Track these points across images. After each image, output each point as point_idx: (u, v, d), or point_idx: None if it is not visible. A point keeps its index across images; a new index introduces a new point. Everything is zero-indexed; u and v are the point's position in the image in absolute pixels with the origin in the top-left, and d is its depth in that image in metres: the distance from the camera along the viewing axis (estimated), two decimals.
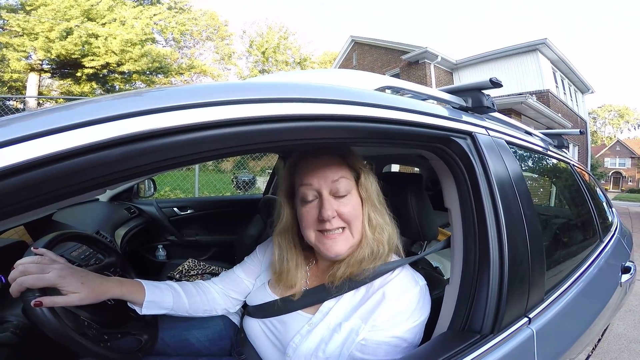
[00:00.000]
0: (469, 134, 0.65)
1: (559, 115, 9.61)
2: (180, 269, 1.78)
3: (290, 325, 0.67)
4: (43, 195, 0.29)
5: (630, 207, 16.82)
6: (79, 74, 14.02)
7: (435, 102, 0.92)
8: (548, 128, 9.35)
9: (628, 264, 1.19)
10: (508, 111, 7.16)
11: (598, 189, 1.58)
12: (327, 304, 0.66)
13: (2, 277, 0.78)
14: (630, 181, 38.69)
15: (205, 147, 0.37)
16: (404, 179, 0.85)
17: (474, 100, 0.86)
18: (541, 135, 1.33)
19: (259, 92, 0.41)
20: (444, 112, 0.67)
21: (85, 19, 12.89)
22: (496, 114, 1.03)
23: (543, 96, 9.45)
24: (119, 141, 0.31)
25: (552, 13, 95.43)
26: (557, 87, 10.84)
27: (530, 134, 1.21)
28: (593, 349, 1.33)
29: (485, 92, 0.90)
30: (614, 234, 1.35)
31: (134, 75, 15.46)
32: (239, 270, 0.86)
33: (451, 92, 0.90)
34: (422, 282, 0.66)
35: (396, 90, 0.82)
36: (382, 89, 0.66)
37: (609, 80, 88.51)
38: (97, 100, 0.35)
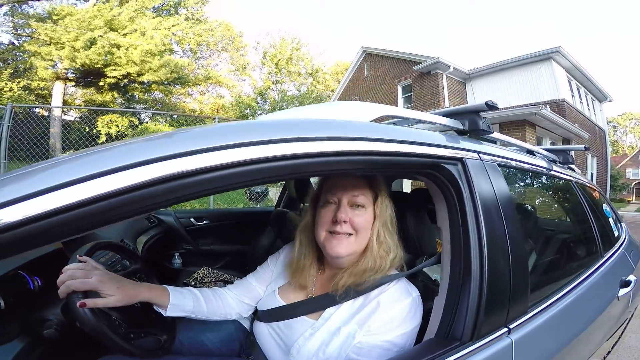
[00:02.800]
0: (460, 160, 0.72)
1: (576, 125, 9.39)
2: (195, 276, 1.88)
3: (295, 329, 0.75)
4: (112, 218, 0.39)
5: None
6: (101, 83, 14.50)
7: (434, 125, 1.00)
8: (564, 139, 9.17)
9: (630, 277, 1.21)
10: (521, 122, 7.06)
11: (606, 205, 1.59)
12: (329, 310, 0.74)
13: (38, 279, 0.89)
14: None
15: (237, 180, 0.46)
16: (403, 199, 0.92)
17: (471, 123, 0.93)
18: (545, 153, 1.38)
19: (276, 132, 0.50)
20: (437, 139, 0.74)
21: (108, 29, 13.38)
22: (498, 135, 1.10)
23: (558, 106, 9.31)
24: (167, 178, 0.40)
25: (568, 19, 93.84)
26: (572, 96, 10.64)
27: (533, 152, 1.27)
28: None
29: (484, 114, 0.98)
30: (618, 249, 1.38)
31: (152, 86, 16.03)
32: (251, 279, 0.95)
33: (448, 115, 0.98)
34: (415, 293, 0.74)
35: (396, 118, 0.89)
36: (379, 119, 0.74)
37: (630, 88, 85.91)
38: (152, 139, 0.45)
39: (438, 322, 0.66)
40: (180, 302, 0.82)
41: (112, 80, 14.31)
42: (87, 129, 10.62)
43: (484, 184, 0.72)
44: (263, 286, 0.92)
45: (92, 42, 12.76)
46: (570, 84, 10.79)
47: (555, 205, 1.31)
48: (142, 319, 0.84)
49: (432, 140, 0.72)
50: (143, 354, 0.77)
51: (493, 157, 0.84)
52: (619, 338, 2.37)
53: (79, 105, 16.16)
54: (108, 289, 0.69)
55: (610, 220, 1.51)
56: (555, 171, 1.23)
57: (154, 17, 15.57)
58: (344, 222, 0.73)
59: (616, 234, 1.49)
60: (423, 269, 0.86)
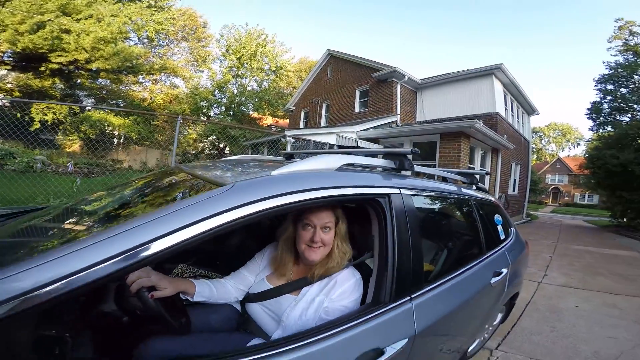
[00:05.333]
0: (387, 195, 1.16)
1: (505, 137, 10.60)
2: (176, 272, 2.16)
3: (282, 303, 1.15)
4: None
5: (563, 220, 18.81)
6: (42, 69, 13.39)
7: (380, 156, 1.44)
8: (494, 149, 10.35)
9: (502, 270, 1.78)
10: (458, 134, 7.92)
11: (498, 215, 2.18)
12: (305, 288, 1.16)
13: None
14: (566, 196, 43.26)
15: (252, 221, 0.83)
16: (353, 214, 1.35)
17: (399, 163, 1.39)
18: (457, 177, 1.91)
19: (281, 186, 0.89)
20: (374, 180, 1.18)
21: (61, 14, 12.42)
22: (419, 168, 1.58)
23: (492, 118, 10.40)
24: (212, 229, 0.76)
25: (509, 37, 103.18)
26: (506, 109, 11.87)
27: (445, 179, 1.78)
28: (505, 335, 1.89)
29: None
30: (500, 249, 1.95)
31: (101, 74, 15.01)
32: (244, 271, 1.32)
33: (386, 155, 1.42)
34: (358, 275, 1.19)
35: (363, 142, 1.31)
36: (342, 167, 1.15)
37: (557, 100, 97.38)
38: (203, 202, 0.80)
39: (372, 292, 1.11)
40: (202, 290, 1.18)
41: (56, 66, 13.33)
42: (19, 115, 9.78)
43: (399, 209, 1.18)
44: (253, 276, 1.30)
45: (40, 26, 11.78)
46: (506, 98, 12.03)
47: (456, 218, 1.84)
48: (173, 305, 1.14)
49: (370, 182, 1.16)
50: (180, 331, 1.07)
51: (410, 190, 1.30)
52: (517, 321, 3.04)
53: (11, 89, 14.55)
54: (163, 284, 1.04)
55: (499, 227, 2.09)
56: (456, 193, 1.75)
57: (114, 3, 14.57)
58: (318, 241, 1.15)
59: (502, 237, 2.08)
60: (365, 262, 1.31)
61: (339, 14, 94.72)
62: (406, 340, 1.06)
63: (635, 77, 15.31)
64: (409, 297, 1.13)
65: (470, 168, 8.71)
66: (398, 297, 1.10)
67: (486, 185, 9.86)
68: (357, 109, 13.33)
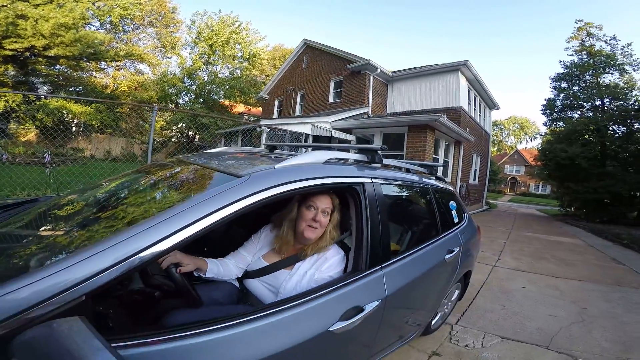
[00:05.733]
0: (361, 183, 1.42)
1: (467, 130, 11.31)
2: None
3: (278, 277, 1.38)
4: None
5: (518, 209, 20.30)
6: None
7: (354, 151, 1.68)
8: (457, 141, 10.99)
9: (454, 249, 2.12)
10: (424, 127, 8.39)
11: (452, 202, 2.53)
12: (298, 264, 1.39)
13: None
14: (523, 186, 46.68)
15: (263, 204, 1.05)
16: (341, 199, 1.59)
17: (371, 158, 1.65)
18: (419, 169, 2.21)
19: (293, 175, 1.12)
20: (352, 171, 1.42)
21: None
22: (388, 161, 1.84)
23: (456, 112, 11.00)
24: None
25: (476, 30, 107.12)
26: (469, 103, 12.54)
27: (409, 170, 2.07)
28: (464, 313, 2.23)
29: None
30: (454, 230, 2.30)
31: (61, 60, 13.95)
32: (242, 251, 1.53)
33: (360, 150, 1.67)
34: (342, 252, 1.45)
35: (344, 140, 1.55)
36: (328, 160, 1.39)
37: (518, 94, 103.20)
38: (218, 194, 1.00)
39: (352, 263, 1.38)
40: (212, 267, 1.39)
41: (10, 53, 12.39)
42: None
43: (371, 195, 1.44)
44: (250, 255, 1.51)
45: None
46: (470, 93, 12.68)
47: (417, 203, 2.16)
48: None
49: (349, 173, 1.41)
50: (195, 304, 1.26)
51: (379, 180, 1.56)
52: (473, 300, 3.46)
53: None
54: (186, 261, 1.23)
55: (454, 212, 2.44)
56: (418, 182, 2.06)
57: None
58: (318, 222, 1.38)
59: (456, 220, 2.43)
60: (344, 241, 1.56)
61: (315, 3, 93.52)
62: (379, 300, 1.34)
63: (587, 76, 16.48)
64: (380, 267, 1.41)
65: (434, 159, 9.27)
66: (372, 266, 1.38)
67: (449, 175, 10.57)
68: (331, 99, 13.54)
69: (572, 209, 16.16)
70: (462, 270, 2.37)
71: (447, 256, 2.00)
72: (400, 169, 2.12)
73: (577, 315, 3.35)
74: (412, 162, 2.28)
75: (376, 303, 1.31)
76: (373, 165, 1.66)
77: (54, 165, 10.55)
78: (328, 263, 1.38)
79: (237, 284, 1.53)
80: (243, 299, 1.47)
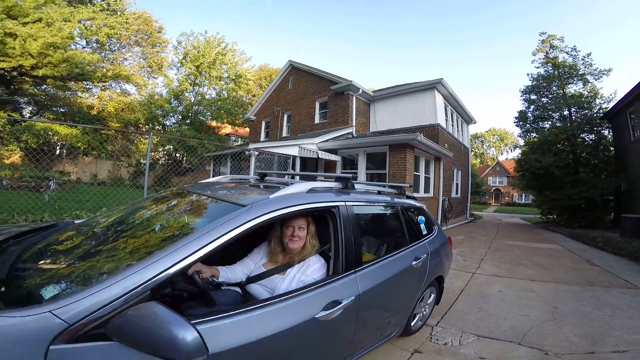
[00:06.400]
0: (337, 206, 1.80)
1: (446, 145, 11.91)
2: None
3: (274, 280, 1.73)
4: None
5: (503, 218, 20.90)
6: None
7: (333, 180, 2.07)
8: (436, 157, 11.45)
9: (421, 256, 2.50)
10: (404, 145, 8.88)
11: (422, 217, 2.93)
12: (289, 270, 1.75)
13: None
14: (507, 196, 48.12)
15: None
16: (318, 219, 1.95)
17: (345, 184, 2.04)
18: (390, 190, 2.61)
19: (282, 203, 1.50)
20: (329, 197, 1.81)
21: (5, 17, 11.61)
22: (359, 186, 2.24)
23: (434, 129, 11.55)
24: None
25: (453, 44, 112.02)
26: (446, 119, 13.13)
27: (380, 192, 2.46)
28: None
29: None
30: (422, 241, 2.69)
31: (48, 80, 14.10)
32: (247, 260, 1.90)
33: (336, 179, 2.06)
34: (322, 260, 1.82)
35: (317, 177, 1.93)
36: (310, 189, 1.77)
37: (496, 106, 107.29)
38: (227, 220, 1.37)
39: (332, 268, 1.75)
40: (224, 274, 1.75)
41: None
42: None
43: (345, 216, 1.83)
44: (253, 263, 1.89)
45: None
46: (446, 109, 13.29)
47: (386, 219, 2.56)
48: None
49: (326, 198, 1.80)
50: (210, 304, 1.55)
51: (352, 202, 1.95)
52: (453, 304, 3.81)
53: None
54: (205, 270, 1.59)
55: (422, 225, 2.84)
56: (388, 201, 2.45)
57: (66, 6, 13.71)
58: (296, 236, 1.75)
59: (424, 232, 2.83)
60: (326, 251, 1.92)
61: (299, 22, 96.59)
62: (354, 296, 1.70)
63: (554, 87, 17.09)
64: (354, 271, 1.78)
65: (415, 175, 9.77)
66: (347, 270, 1.75)
67: (430, 190, 11.07)
68: (317, 119, 14.02)
69: (553, 216, 16.62)
70: (432, 275, 2.74)
71: (414, 262, 2.38)
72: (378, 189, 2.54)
73: (549, 314, 3.65)
74: (383, 184, 2.69)
75: (352, 298, 1.67)
76: (347, 190, 2.05)
77: (53, 191, 10.57)
78: (311, 268, 1.75)
79: (240, 291, 1.85)
80: (245, 300, 1.79)
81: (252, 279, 1.80)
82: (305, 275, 1.71)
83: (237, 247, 1.91)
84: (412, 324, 2.81)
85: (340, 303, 1.59)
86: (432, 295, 3.14)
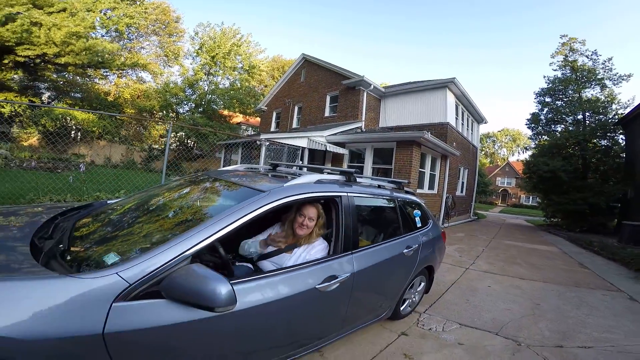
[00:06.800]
0: (340, 196, 2.12)
1: (454, 144, 12.04)
2: None
3: (282, 258, 2.07)
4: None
5: (507, 219, 21.02)
6: (6, 61, 12.95)
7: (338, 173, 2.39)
8: (443, 155, 11.60)
9: (412, 245, 2.81)
10: (411, 143, 9.09)
11: (417, 210, 3.23)
12: (295, 249, 2.08)
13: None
14: (514, 197, 47.78)
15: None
16: (323, 205, 2.26)
17: (348, 177, 2.35)
18: (389, 185, 2.91)
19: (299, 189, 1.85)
20: (333, 188, 2.12)
21: (32, 6, 12.05)
22: (361, 179, 2.55)
23: (443, 127, 11.68)
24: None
25: (464, 50, 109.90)
26: (457, 118, 13.17)
27: (379, 186, 2.77)
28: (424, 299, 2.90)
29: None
30: (414, 232, 2.99)
31: (69, 68, 14.60)
32: (261, 237, 2.20)
33: (341, 172, 2.37)
34: (325, 242, 2.15)
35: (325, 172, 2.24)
36: (318, 180, 2.09)
37: (511, 107, 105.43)
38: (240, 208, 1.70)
39: (332, 248, 2.08)
40: (245, 246, 2.06)
41: (22, 60, 12.95)
42: None
43: (346, 204, 2.15)
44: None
45: (8, 18, 11.35)
46: (457, 108, 13.33)
47: (383, 210, 2.86)
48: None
49: (331, 189, 2.11)
50: (230, 274, 1.87)
51: (353, 193, 2.26)
52: (442, 295, 4.13)
53: None
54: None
55: (417, 218, 3.14)
56: (386, 194, 2.75)
57: None
58: (305, 225, 2.07)
59: (418, 225, 3.13)
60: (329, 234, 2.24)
61: (314, 15, 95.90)
62: (349, 274, 2.03)
63: (570, 91, 16.90)
64: (351, 252, 2.11)
65: (421, 172, 9.99)
66: (345, 251, 2.08)
67: (435, 187, 11.29)
68: (327, 113, 14.26)
69: (557, 219, 16.68)
70: (422, 264, 3.04)
71: (406, 250, 2.69)
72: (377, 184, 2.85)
73: (529, 310, 3.90)
74: (384, 178, 3.00)
75: (347, 275, 2.00)
76: (349, 182, 2.36)
77: (50, 170, 11.01)
78: (315, 250, 2.07)
79: (251, 267, 2.17)
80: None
81: (263, 256, 2.12)
82: (309, 255, 2.03)
83: (252, 226, 2.25)
84: (402, 308, 3.13)
85: (337, 278, 1.92)
86: (422, 284, 3.44)
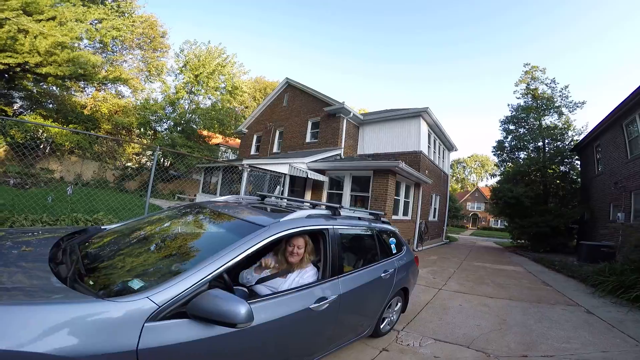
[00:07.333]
0: (327, 229, 2.47)
1: (426, 172, 12.73)
2: None
3: (277, 282, 2.35)
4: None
5: (477, 241, 21.92)
6: None
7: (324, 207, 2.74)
8: (416, 183, 12.10)
9: (388, 269, 3.16)
10: (387, 171, 9.59)
11: (392, 238, 3.61)
12: (289, 274, 2.38)
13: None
14: (483, 221, 50.23)
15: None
16: (313, 236, 2.58)
17: (333, 211, 2.71)
18: (368, 217, 3.28)
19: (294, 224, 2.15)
20: (320, 222, 2.46)
21: (22, 13, 11.83)
22: (344, 212, 2.90)
23: (417, 156, 12.27)
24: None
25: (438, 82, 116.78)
26: (429, 147, 13.84)
27: (360, 217, 3.13)
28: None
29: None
30: (390, 258, 3.35)
31: (49, 79, 14.24)
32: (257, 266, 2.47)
33: (327, 207, 2.72)
34: (315, 269, 2.47)
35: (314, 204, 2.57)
36: (308, 215, 2.42)
37: (480, 129, 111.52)
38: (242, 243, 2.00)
39: (321, 274, 2.40)
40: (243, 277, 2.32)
41: (0, 67, 12.42)
42: None
43: (332, 236, 2.50)
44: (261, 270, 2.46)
45: None
46: (430, 137, 13.99)
47: (363, 239, 3.23)
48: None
49: (319, 223, 2.47)
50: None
51: (338, 226, 2.62)
52: (417, 314, 4.50)
53: None
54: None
55: (392, 245, 3.51)
56: (366, 225, 3.13)
57: (80, 5, 13.90)
58: (295, 253, 2.38)
59: (394, 252, 3.50)
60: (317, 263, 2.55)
61: (297, 40, 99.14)
62: (337, 295, 2.35)
63: (531, 118, 17.82)
64: (337, 277, 2.43)
65: (396, 200, 10.49)
66: (332, 276, 2.40)
67: (409, 214, 11.84)
68: (308, 139, 14.63)
69: (523, 240, 17.61)
70: (398, 286, 3.40)
71: (383, 274, 3.06)
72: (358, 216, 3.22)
73: (497, 325, 4.29)
74: (364, 210, 3.37)
75: (335, 296, 2.32)
76: (334, 216, 2.72)
77: (20, 186, 10.62)
78: (307, 274, 2.37)
79: (246, 290, 2.42)
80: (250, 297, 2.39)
81: (260, 281, 2.39)
82: (302, 279, 2.33)
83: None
84: (382, 326, 3.44)
85: (327, 299, 2.23)
86: (399, 304, 3.79)
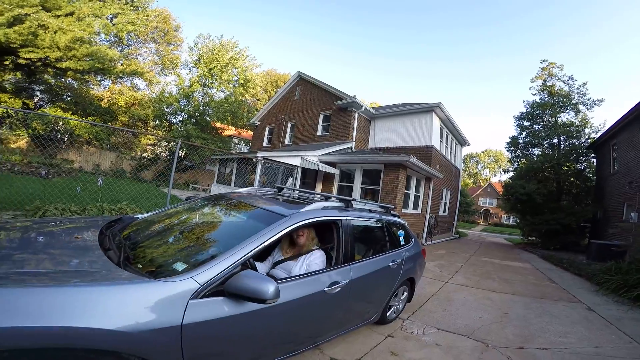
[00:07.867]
0: (340, 220, 2.71)
1: (438, 166, 12.79)
2: None
3: (290, 264, 2.61)
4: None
5: (487, 237, 21.86)
6: (7, 62, 13.02)
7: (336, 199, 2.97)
8: (427, 177, 12.24)
9: (396, 259, 3.38)
10: (398, 165, 9.73)
11: (401, 230, 3.81)
12: (300, 257, 2.64)
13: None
14: (495, 217, 49.63)
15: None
16: (328, 226, 2.82)
17: (346, 204, 2.93)
18: (379, 209, 3.50)
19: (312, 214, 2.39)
20: (333, 213, 2.69)
21: (41, 9, 12.23)
22: (357, 204, 3.13)
23: (428, 151, 12.34)
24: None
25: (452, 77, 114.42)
26: (441, 141, 13.85)
27: (370, 210, 3.35)
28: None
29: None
30: (399, 249, 3.57)
31: (69, 73, 14.74)
32: (274, 251, 2.74)
33: (341, 200, 2.95)
34: (322, 251, 2.72)
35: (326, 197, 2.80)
36: (324, 207, 2.66)
37: (494, 127, 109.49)
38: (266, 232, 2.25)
39: (334, 260, 2.64)
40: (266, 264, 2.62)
41: (23, 62, 12.99)
42: None
43: (345, 226, 2.73)
44: (278, 254, 2.73)
45: (16, 19, 11.50)
46: (442, 132, 14.01)
47: (373, 230, 3.44)
48: None
49: (334, 214, 2.69)
50: None
51: (350, 217, 2.84)
52: (423, 304, 4.72)
53: None
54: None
55: (401, 237, 3.72)
56: (376, 217, 3.34)
57: (97, 1, 14.29)
58: (301, 235, 2.66)
59: (402, 243, 3.71)
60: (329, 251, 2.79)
61: (310, 35, 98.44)
62: (347, 280, 2.58)
63: (547, 115, 17.67)
64: (348, 263, 2.67)
65: (406, 193, 10.64)
66: (344, 263, 2.63)
67: (419, 208, 11.97)
68: (319, 132, 14.83)
69: (533, 237, 17.49)
70: (404, 276, 3.61)
71: (391, 264, 3.28)
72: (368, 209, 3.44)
73: (498, 318, 4.45)
74: (375, 203, 3.59)
75: (346, 281, 2.56)
76: (347, 208, 2.94)
77: (42, 176, 11.11)
78: (314, 256, 2.61)
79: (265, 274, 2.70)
80: None
81: (275, 264, 2.66)
82: (310, 260, 2.57)
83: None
84: (388, 314, 3.67)
85: (339, 283, 2.47)
86: (405, 293, 4.00)
